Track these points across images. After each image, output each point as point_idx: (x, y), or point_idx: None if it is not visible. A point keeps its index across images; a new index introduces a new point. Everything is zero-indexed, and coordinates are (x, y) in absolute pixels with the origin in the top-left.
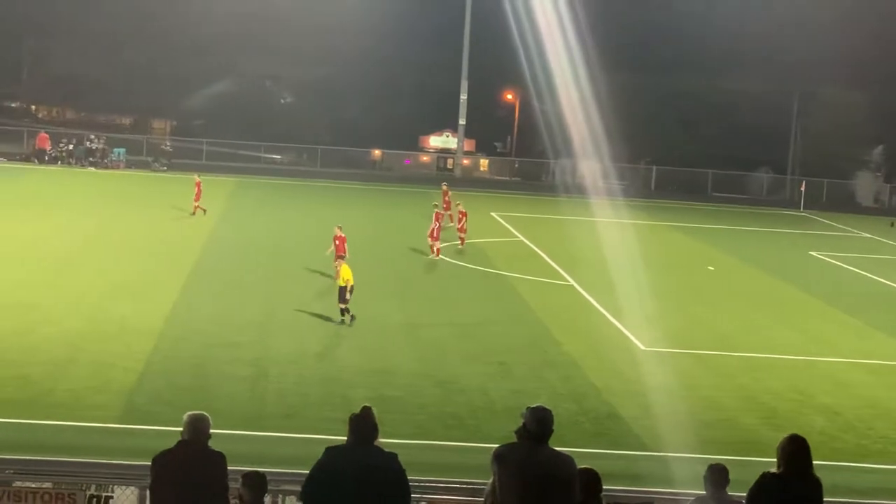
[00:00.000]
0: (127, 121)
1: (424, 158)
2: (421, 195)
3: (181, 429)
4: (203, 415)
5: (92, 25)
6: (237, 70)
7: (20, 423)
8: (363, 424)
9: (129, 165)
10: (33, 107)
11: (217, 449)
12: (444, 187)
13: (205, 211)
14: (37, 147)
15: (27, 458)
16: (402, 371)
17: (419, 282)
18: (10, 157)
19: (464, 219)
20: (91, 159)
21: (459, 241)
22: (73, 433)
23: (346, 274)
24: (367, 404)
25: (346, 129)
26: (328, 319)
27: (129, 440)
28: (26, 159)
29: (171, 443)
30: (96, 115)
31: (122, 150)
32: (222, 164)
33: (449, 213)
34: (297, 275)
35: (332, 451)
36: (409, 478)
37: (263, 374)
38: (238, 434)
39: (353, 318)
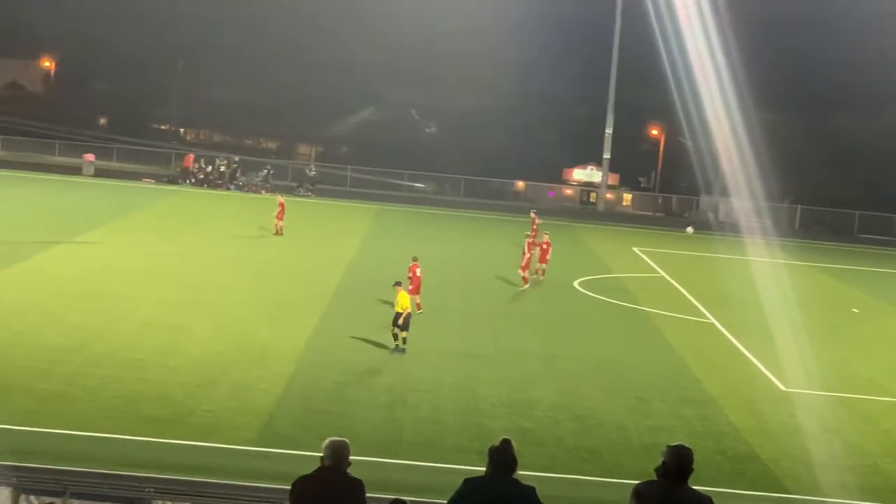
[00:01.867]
0: (273, 145)
1: (568, 191)
2: (563, 228)
3: (320, 453)
4: (344, 441)
5: (241, 51)
6: (384, 98)
7: (160, 442)
8: (502, 456)
9: (274, 189)
10: (181, 130)
11: (355, 475)
12: (533, 215)
13: (280, 232)
14: (182, 169)
15: (166, 476)
16: (540, 403)
17: (559, 314)
18: (158, 179)
19: (548, 250)
20: (236, 182)
21: (540, 273)
22: (212, 454)
23: (403, 301)
24: (507, 437)
25: (490, 159)
26: (467, 350)
27: (266, 463)
28: (173, 181)
29: (308, 467)
30: (243, 138)
31: (263, 174)
32: (366, 190)
33: (535, 240)
34: (435, 304)
35: (470, 483)
36: None
37: (401, 402)
38: (374, 461)
39: (401, 348)
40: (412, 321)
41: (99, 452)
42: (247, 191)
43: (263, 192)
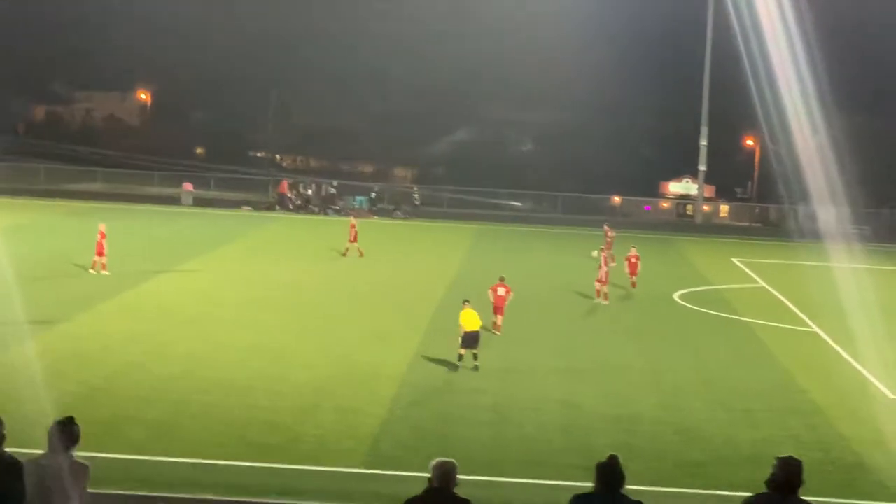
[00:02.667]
0: (369, 168)
1: (664, 205)
2: (661, 242)
3: (427, 474)
4: (452, 462)
5: (335, 75)
6: (478, 117)
7: (269, 467)
8: (610, 472)
9: (372, 213)
10: (277, 156)
11: (462, 496)
12: (606, 228)
13: (361, 253)
14: (279, 195)
15: (276, 502)
16: (644, 418)
17: (660, 327)
18: (256, 206)
19: (637, 263)
20: (334, 207)
21: (631, 286)
22: (320, 478)
23: (473, 319)
24: (614, 453)
25: (586, 175)
26: (570, 366)
27: (373, 485)
28: (271, 208)
29: (415, 488)
30: (339, 163)
31: (364, 199)
32: (463, 210)
33: (610, 253)
34: (537, 323)
35: (579, 499)
36: None
37: (505, 420)
38: (480, 480)
39: (457, 365)
40: (486, 341)
41: (208, 479)
42: (344, 215)
43: (374, 216)
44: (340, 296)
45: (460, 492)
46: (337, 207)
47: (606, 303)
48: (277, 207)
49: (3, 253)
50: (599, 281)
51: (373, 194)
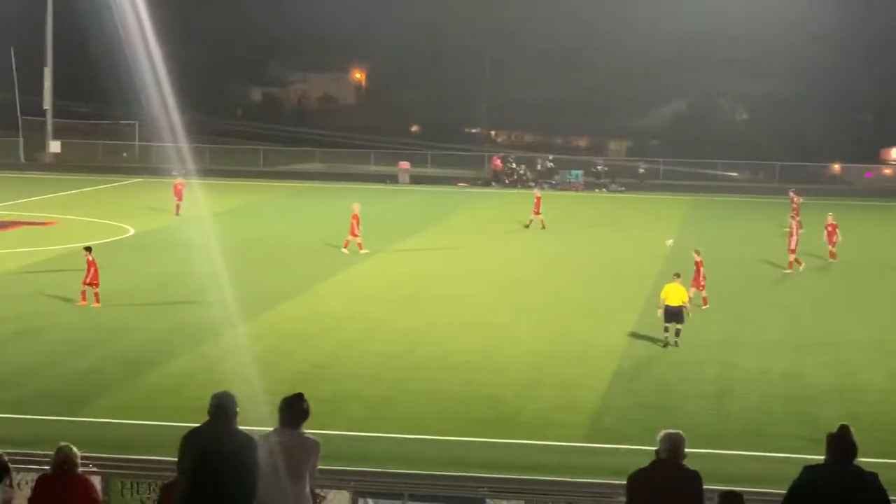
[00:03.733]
0: (583, 142)
1: (887, 171)
2: (883, 209)
3: (651, 447)
4: (680, 433)
5: (547, 49)
6: (691, 87)
7: (492, 441)
8: (842, 443)
9: (587, 187)
10: (492, 132)
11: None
12: (791, 194)
13: (543, 225)
14: (494, 171)
15: (499, 476)
16: (871, 387)
17: (885, 296)
18: (472, 182)
19: (835, 231)
20: (549, 181)
21: (829, 256)
22: (543, 452)
23: (680, 293)
24: (845, 423)
25: (804, 144)
26: (791, 337)
27: (596, 458)
28: (486, 183)
29: (638, 461)
30: (553, 137)
31: (580, 173)
32: (679, 182)
33: (798, 220)
34: (756, 294)
35: (811, 470)
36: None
37: (728, 392)
38: (703, 452)
39: (664, 342)
40: (705, 314)
41: (432, 454)
42: (560, 189)
43: (581, 189)
44: (556, 270)
45: (685, 464)
46: (553, 182)
47: (791, 270)
48: (493, 183)
49: (227, 235)
50: (791, 250)
51: (599, 167)
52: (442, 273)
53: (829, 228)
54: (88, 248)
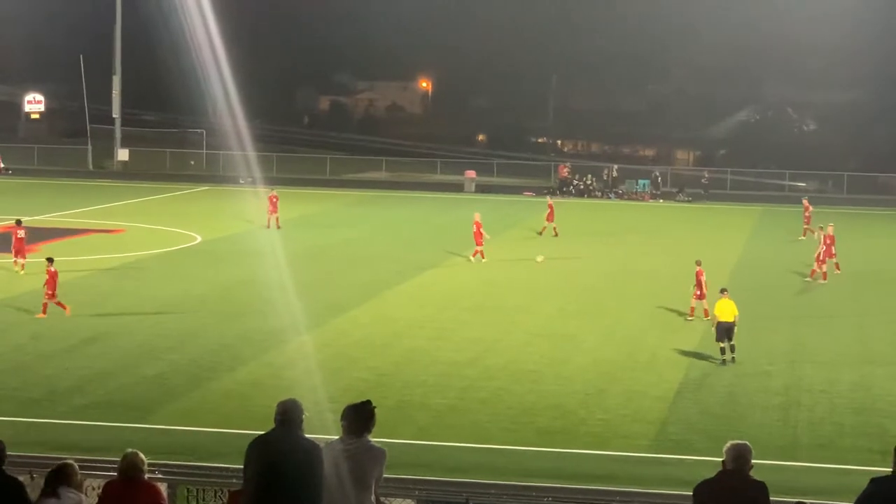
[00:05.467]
0: (650, 152)
1: None
2: None
3: (718, 458)
4: (746, 444)
5: (613, 60)
6: (759, 98)
7: (556, 451)
8: None
9: (654, 196)
10: (559, 142)
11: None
12: (804, 202)
13: (556, 233)
14: (560, 180)
15: (565, 486)
16: None
17: None
18: (538, 191)
19: (830, 245)
20: (616, 191)
21: (832, 269)
22: (608, 462)
23: (730, 309)
24: None
25: (875, 154)
26: (860, 349)
27: (662, 469)
28: (552, 193)
29: (704, 472)
30: (620, 146)
31: (646, 182)
32: (747, 192)
33: (810, 227)
34: (824, 305)
35: (878, 482)
36: None
37: (795, 403)
38: (771, 464)
39: (722, 361)
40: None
41: (498, 463)
42: (627, 199)
43: (649, 199)
44: (624, 280)
45: (753, 475)
46: (620, 191)
47: (814, 280)
48: (559, 192)
49: (293, 242)
50: (818, 260)
51: (656, 175)
52: (509, 282)
53: (828, 241)
54: (50, 259)
